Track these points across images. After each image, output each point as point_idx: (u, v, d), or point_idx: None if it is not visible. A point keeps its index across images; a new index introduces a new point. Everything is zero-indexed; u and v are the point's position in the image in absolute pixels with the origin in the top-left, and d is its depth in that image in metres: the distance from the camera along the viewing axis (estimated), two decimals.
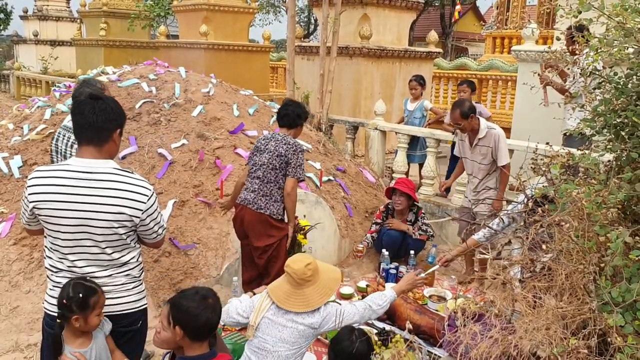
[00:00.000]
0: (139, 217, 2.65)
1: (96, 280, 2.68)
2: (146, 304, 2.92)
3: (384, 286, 5.11)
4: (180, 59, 11.09)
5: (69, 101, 6.46)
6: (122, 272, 2.74)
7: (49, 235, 2.68)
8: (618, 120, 3.03)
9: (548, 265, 2.31)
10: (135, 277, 2.81)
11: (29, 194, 2.63)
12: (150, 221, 2.72)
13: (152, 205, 2.69)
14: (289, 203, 4.51)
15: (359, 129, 8.46)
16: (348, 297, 5.19)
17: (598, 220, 2.34)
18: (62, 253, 2.66)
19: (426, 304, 5.03)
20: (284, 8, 37.35)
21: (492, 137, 5.17)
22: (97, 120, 2.58)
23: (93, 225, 2.59)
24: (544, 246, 2.41)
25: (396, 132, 7.52)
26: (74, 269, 2.67)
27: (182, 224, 5.24)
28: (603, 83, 3.18)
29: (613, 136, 3.06)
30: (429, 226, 6.01)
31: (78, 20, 21.71)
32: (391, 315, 4.66)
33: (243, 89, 7.70)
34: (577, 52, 5.52)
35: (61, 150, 3.95)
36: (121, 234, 2.65)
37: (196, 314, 2.52)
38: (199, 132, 6.07)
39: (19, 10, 24.56)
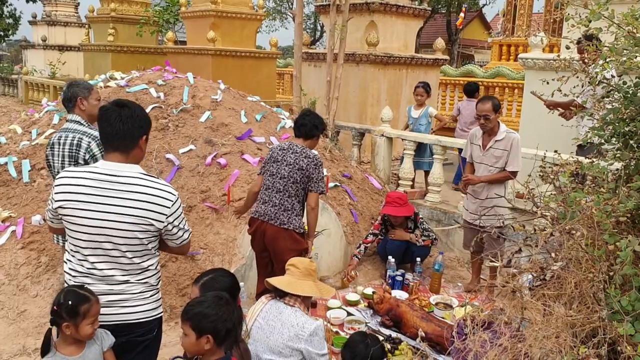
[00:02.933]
0: (162, 222, 2.65)
1: (115, 287, 2.66)
2: (162, 312, 2.90)
3: (390, 293, 5.11)
4: (187, 64, 11.12)
5: None
6: (140, 279, 2.72)
7: (70, 237, 2.69)
8: (627, 128, 3.03)
9: (557, 273, 2.31)
10: (153, 285, 2.79)
11: (55, 193, 2.67)
12: (175, 226, 2.72)
13: (176, 211, 2.69)
14: (313, 218, 4.46)
15: (365, 135, 8.47)
16: (354, 304, 5.19)
17: (607, 228, 2.34)
18: (83, 254, 2.66)
19: (432, 311, 5.02)
20: (290, 15, 37.51)
21: (510, 141, 5.08)
22: (124, 128, 2.62)
23: (115, 227, 2.59)
24: (553, 254, 2.40)
25: (402, 139, 7.53)
26: (94, 271, 2.65)
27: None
28: (612, 92, 3.18)
29: (622, 145, 3.07)
30: (430, 230, 5.98)
31: (86, 26, 21.82)
32: (397, 322, 4.66)
33: (250, 95, 7.73)
34: (588, 61, 5.51)
35: (55, 166, 3.91)
36: (142, 239, 2.64)
37: (226, 319, 2.57)
38: (206, 137, 6.09)
39: (27, 15, 24.73)
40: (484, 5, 37.52)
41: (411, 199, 7.14)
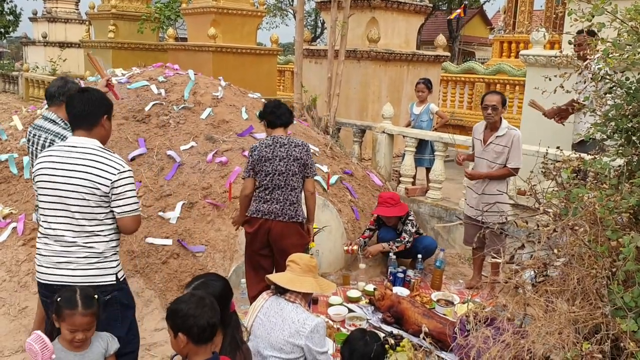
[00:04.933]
0: (107, 187, 2.96)
1: (65, 249, 2.98)
2: (114, 281, 3.10)
3: (391, 290, 5.11)
4: (188, 61, 11.11)
5: None
6: (87, 242, 3.01)
7: (38, 201, 3.08)
8: (629, 125, 3.02)
9: (560, 269, 2.31)
10: (100, 253, 3.04)
11: (34, 168, 3.11)
12: (118, 194, 3.00)
13: (121, 179, 2.99)
14: (313, 203, 4.51)
15: (366, 132, 8.45)
16: (356, 300, 5.19)
17: (610, 225, 2.33)
18: (45, 215, 3.05)
19: (434, 308, 5.02)
20: (291, 12, 37.49)
21: (510, 137, 5.07)
22: (85, 109, 3.07)
23: (67, 189, 2.96)
24: (555, 250, 2.40)
25: (404, 136, 7.51)
26: (49, 231, 3.02)
27: (190, 225, 5.24)
28: (614, 88, 3.17)
29: (624, 141, 3.06)
30: (407, 233, 5.82)
31: (87, 22, 21.80)
32: (399, 319, 4.66)
33: (251, 92, 7.72)
34: (587, 57, 5.52)
35: (33, 152, 3.90)
36: (89, 201, 2.96)
37: (197, 315, 2.54)
38: (207, 134, 6.09)
39: (28, 12, 24.71)
40: (484, 2, 37.51)
41: (412, 195, 7.15)
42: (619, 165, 3.02)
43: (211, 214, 5.38)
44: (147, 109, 6.20)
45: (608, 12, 2.78)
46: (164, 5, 16.24)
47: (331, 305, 5.03)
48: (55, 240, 3.01)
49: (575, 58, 3.64)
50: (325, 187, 6.18)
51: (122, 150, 5.55)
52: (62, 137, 3.77)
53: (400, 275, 5.53)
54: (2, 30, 25.98)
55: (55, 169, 2.99)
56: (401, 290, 5.30)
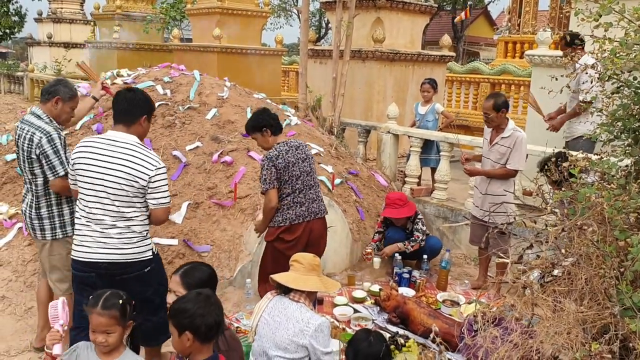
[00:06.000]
0: (145, 181, 3.25)
1: (105, 230, 3.27)
2: (151, 256, 3.45)
3: (397, 290, 5.10)
4: (193, 62, 11.12)
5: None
6: (125, 225, 3.31)
7: (79, 187, 3.35)
8: (637, 124, 3.01)
9: (568, 269, 2.30)
10: (138, 232, 3.36)
11: (72, 154, 3.38)
12: (154, 188, 3.29)
13: (157, 175, 3.29)
14: None
15: (371, 132, 8.44)
16: (361, 301, 5.19)
17: (618, 224, 2.32)
18: (85, 201, 3.31)
19: (439, 308, 5.01)
20: (295, 12, 37.48)
21: (514, 139, 5.06)
22: (127, 107, 3.38)
23: (108, 180, 3.24)
24: (563, 250, 2.39)
25: (409, 136, 7.50)
26: (90, 215, 3.30)
27: (196, 225, 5.25)
28: (622, 88, 3.16)
29: (632, 141, 3.04)
30: (420, 231, 5.86)
31: (92, 23, 21.84)
32: (404, 319, 4.65)
33: (256, 93, 7.72)
34: (573, 58, 5.58)
35: (20, 145, 3.90)
36: (128, 191, 3.25)
37: (204, 314, 2.55)
38: (213, 134, 6.09)
39: (33, 13, 24.72)
40: (489, 2, 37.46)
41: (417, 196, 7.13)
42: (627, 165, 3.01)
43: (217, 214, 5.39)
44: None
45: (616, 11, 2.77)
46: (169, 5, 16.25)
47: (336, 305, 5.03)
48: (96, 223, 3.30)
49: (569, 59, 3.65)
50: (330, 188, 6.18)
51: None
52: (42, 130, 3.78)
53: (406, 275, 5.52)
54: (8, 30, 26.07)
55: (96, 160, 3.28)
56: (407, 291, 5.29)
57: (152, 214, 3.40)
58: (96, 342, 2.68)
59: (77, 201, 3.40)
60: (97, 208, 3.28)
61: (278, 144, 4.38)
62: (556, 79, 3.59)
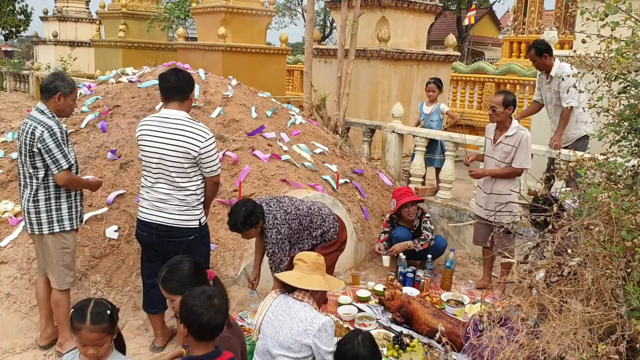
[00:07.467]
0: (197, 152, 3.68)
1: (161, 197, 3.81)
2: (197, 225, 3.91)
3: (401, 290, 5.10)
4: (198, 60, 11.13)
5: (89, 101, 6.53)
6: (178, 195, 3.79)
7: (143, 160, 3.89)
8: None
9: (574, 269, 2.29)
10: (189, 203, 3.83)
11: (136, 133, 3.91)
12: (206, 157, 3.74)
13: (208, 146, 3.73)
14: None
15: (375, 131, 8.43)
16: (365, 300, 5.18)
17: (625, 225, 2.31)
18: (147, 172, 3.87)
19: (444, 308, 5.00)
20: (299, 11, 37.51)
21: (519, 137, 5.05)
22: (178, 83, 3.79)
23: (164, 153, 3.71)
24: (569, 250, 2.38)
25: (414, 136, 7.49)
26: (148, 184, 3.86)
27: None
28: (629, 87, 3.14)
29: (639, 141, 3.03)
30: (429, 230, 5.90)
31: (97, 22, 21.90)
32: (408, 319, 4.65)
33: (261, 92, 7.72)
34: (544, 67, 5.64)
35: (21, 139, 3.91)
36: (182, 163, 3.71)
37: (199, 312, 2.54)
38: (217, 133, 6.09)
39: (39, 11, 24.87)
40: (494, 2, 37.40)
41: (422, 195, 7.12)
42: (633, 165, 3.00)
43: (221, 213, 5.38)
44: (157, 107, 6.21)
45: (622, 10, 2.76)
46: (174, 4, 16.28)
47: (341, 304, 5.02)
48: (155, 191, 3.83)
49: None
50: (335, 187, 6.17)
51: (133, 149, 5.56)
52: (43, 124, 3.82)
53: (410, 275, 5.51)
54: (14, 29, 26.16)
55: (154, 136, 3.75)
56: (411, 291, 5.28)
57: (207, 182, 3.89)
58: (86, 354, 2.60)
59: (142, 170, 3.94)
60: (155, 178, 3.81)
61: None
62: (562, 79, 3.58)
